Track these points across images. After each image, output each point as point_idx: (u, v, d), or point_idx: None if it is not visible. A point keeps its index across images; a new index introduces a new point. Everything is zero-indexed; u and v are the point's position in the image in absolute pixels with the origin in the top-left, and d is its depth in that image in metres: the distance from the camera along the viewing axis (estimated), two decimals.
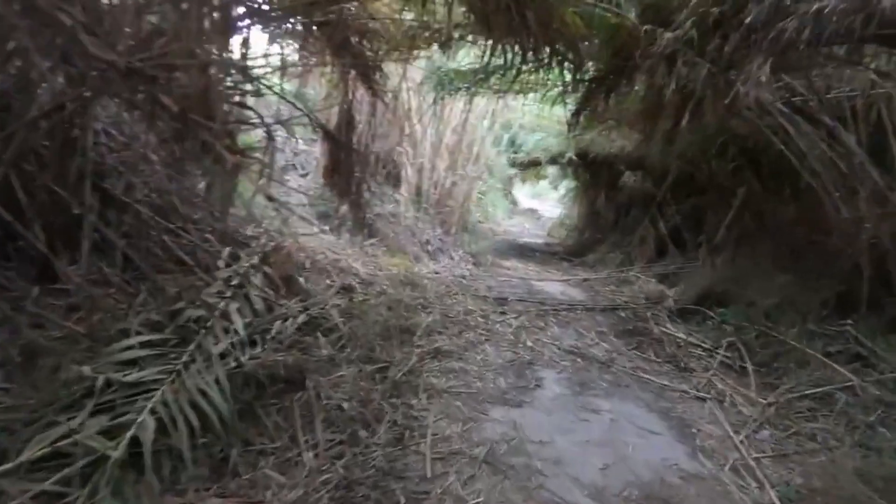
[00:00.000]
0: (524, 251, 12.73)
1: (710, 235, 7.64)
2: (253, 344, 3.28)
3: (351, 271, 5.83)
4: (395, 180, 8.27)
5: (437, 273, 7.18)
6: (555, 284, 8.30)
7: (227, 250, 4.16)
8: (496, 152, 11.43)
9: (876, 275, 5.06)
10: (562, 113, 11.01)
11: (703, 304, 6.67)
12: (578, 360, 4.78)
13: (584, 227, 13.50)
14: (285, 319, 3.72)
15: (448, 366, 4.22)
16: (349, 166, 4.88)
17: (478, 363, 4.38)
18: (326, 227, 6.58)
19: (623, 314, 6.67)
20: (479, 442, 3.14)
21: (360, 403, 3.21)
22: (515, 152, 12.05)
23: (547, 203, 26.18)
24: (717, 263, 7.52)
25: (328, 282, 5.29)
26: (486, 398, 3.74)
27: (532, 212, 24.80)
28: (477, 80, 5.98)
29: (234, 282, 3.75)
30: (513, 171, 12.16)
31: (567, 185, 16.70)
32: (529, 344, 5.02)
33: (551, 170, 15.81)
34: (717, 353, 5.17)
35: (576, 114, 4.75)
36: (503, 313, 5.91)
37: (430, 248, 7.95)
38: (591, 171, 11.73)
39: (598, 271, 10.12)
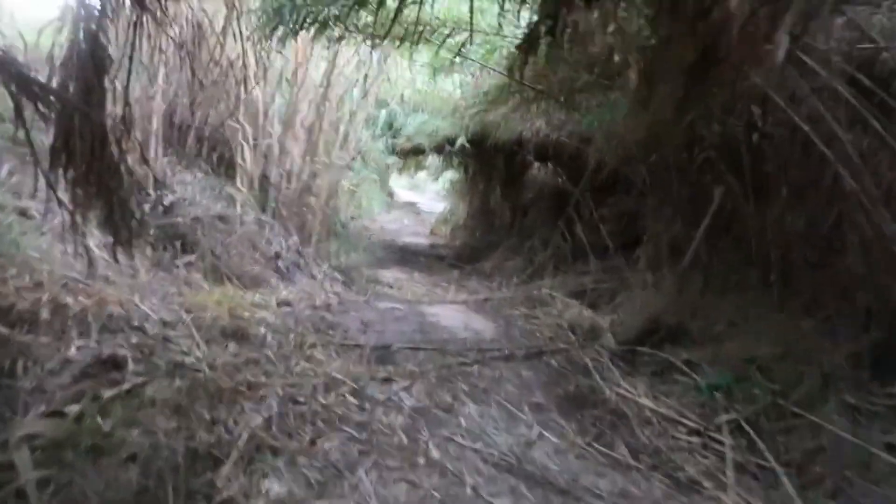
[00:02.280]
0: (406, 255, 10.66)
1: (651, 245, 5.92)
2: None
3: (130, 321, 3.44)
4: (227, 168, 5.85)
5: (287, 306, 4.87)
6: (452, 310, 6.26)
7: None
8: (370, 135, 9.19)
9: None
10: (451, 88, 9.02)
11: (652, 341, 4.97)
12: (521, 486, 2.74)
13: (475, 227, 11.64)
14: None
15: None
16: (90, 140, 2.50)
17: None
18: (99, 245, 4.06)
19: (554, 362, 4.76)
20: None
21: None
22: (394, 136, 9.88)
23: (426, 196, 24.23)
24: (661, 283, 5.82)
25: (69, 354, 2.88)
26: None
27: (411, 205, 22.81)
28: (343, 9, 3.75)
29: None
30: (391, 160, 9.99)
31: (452, 176, 14.78)
32: (436, 455, 2.90)
33: (432, 159, 13.81)
34: (719, 442, 3.37)
35: (529, 43, 2.63)
36: (387, 380, 3.77)
37: (280, 264, 5.62)
38: (486, 161, 9.82)
39: (500, 284, 8.28)
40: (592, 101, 4.87)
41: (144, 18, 2.75)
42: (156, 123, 4.96)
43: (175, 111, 5.47)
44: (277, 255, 5.67)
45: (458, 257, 10.59)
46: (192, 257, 4.78)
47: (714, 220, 4.67)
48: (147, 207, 4.63)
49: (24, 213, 4.31)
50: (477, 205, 11.62)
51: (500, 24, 4.03)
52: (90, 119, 2.51)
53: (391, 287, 7.14)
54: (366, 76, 6.41)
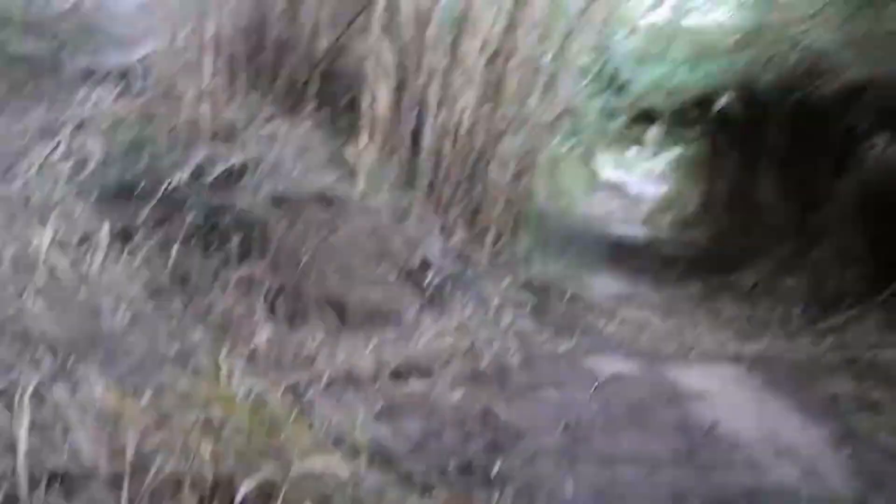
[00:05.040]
0: (622, 256, 7.82)
1: None
2: None
3: None
4: (351, 119, 3.58)
5: (419, 376, 2.48)
6: (724, 380, 3.49)
7: None
8: (582, 90, 6.31)
9: None
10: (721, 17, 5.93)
11: None
12: None
13: (719, 222, 8.48)
14: None
15: None
16: None
17: None
18: None
19: None
20: None
21: None
22: (618, 94, 7.05)
23: (634, 176, 20.62)
24: None
25: None
26: None
27: (616, 187, 19.39)
28: None
29: None
30: (613, 124, 7.21)
31: (682, 152, 11.53)
32: None
33: (660, 128, 10.68)
34: None
35: None
36: None
37: (425, 280, 3.26)
38: (755, 131, 6.64)
39: (776, 315, 5.27)
40: None
41: None
42: (210, 35, 2.74)
43: (264, 23, 3.27)
44: (425, 266, 3.30)
45: (694, 262, 7.55)
46: (254, 269, 2.57)
47: None
48: (177, 179, 2.49)
49: None
50: (725, 192, 8.44)
51: None
52: None
53: (609, 316, 4.50)
54: None
